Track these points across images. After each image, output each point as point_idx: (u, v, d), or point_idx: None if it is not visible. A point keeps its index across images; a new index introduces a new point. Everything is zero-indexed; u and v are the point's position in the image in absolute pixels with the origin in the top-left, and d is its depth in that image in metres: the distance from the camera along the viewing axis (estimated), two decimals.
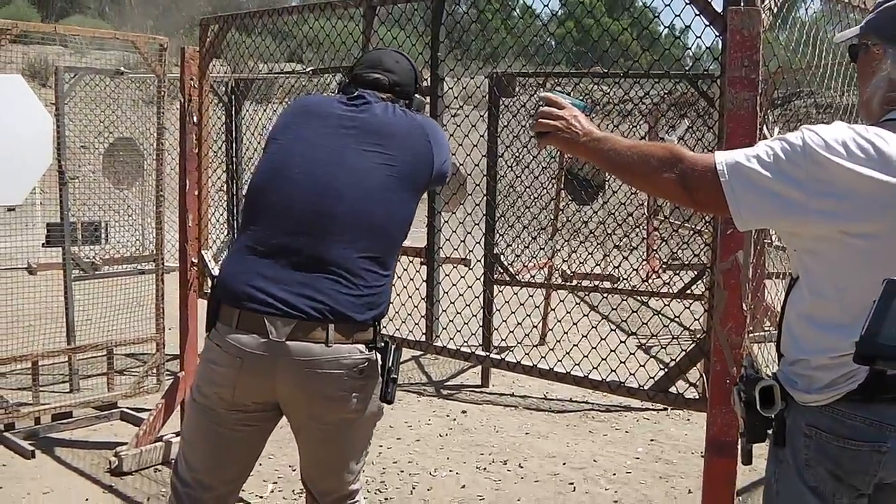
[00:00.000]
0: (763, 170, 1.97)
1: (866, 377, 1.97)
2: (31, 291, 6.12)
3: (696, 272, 6.88)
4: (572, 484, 5.13)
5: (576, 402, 6.81)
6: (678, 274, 7.67)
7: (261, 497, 4.77)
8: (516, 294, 4.56)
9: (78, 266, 6.35)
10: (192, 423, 2.97)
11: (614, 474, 5.30)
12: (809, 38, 3.35)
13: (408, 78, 3.16)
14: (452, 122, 4.05)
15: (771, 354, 2.52)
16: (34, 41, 6.51)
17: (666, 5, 3.15)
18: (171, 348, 6.18)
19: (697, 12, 3.02)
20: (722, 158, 2.02)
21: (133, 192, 7.60)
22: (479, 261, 6.34)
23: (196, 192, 5.11)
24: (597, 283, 7.51)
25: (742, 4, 2.73)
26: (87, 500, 4.69)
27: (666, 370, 3.27)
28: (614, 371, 3.38)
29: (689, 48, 3.66)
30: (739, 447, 2.28)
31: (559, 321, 4.10)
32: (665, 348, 6.47)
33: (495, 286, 6.45)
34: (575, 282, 7.70)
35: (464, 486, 5.06)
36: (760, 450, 2.21)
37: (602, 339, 3.62)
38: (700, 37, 3.17)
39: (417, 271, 4.07)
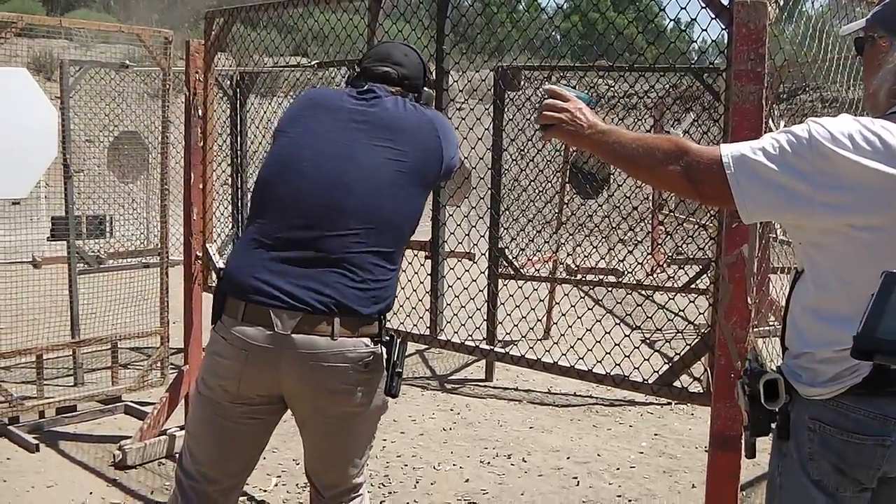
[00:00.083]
0: (769, 162, 1.97)
1: (871, 371, 1.97)
2: (36, 285, 6.13)
3: (700, 266, 6.87)
4: (576, 478, 5.12)
5: (580, 396, 6.80)
6: (683, 268, 7.66)
7: (264, 491, 4.77)
8: (520, 288, 4.55)
9: (82, 260, 6.36)
10: (197, 416, 2.97)
11: (618, 469, 5.30)
12: (816, 32, 3.34)
13: (417, 71, 3.15)
14: (457, 116, 4.05)
15: (775, 349, 2.52)
16: (39, 35, 6.51)
17: None
18: (175, 342, 6.19)
19: (703, 5, 3.00)
20: (727, 151, 2.01)
21: (138, 186, 7.61)
22: (484, 254, 6.34)
23: (200, 186, 5.10)
24: (601, 277, 7.50)
25: None
26: (91, 493, 4.69)
27: (670, 364, 3.27)
28: (618, 365, 3.38)
29: (695, 41, 3.65)
30: (743, 441, 2.27)
31: (563, 315, 4.11)
32: (669, 342, 6.48)
33: (500, 280, 6.45)
34: (579, 276, 7.69)
35: (467, 481, 5.06)
36: (764, 444, 2.21)
37: (606, 333, 3.61)
38: (706, 30, 3.17)
39: (422, 265, 4.06)
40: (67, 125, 6.06)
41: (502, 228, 6.98)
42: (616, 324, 3.86)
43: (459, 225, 4.22)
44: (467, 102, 4.72)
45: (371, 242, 2.81)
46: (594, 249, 7.72)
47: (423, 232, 3.74)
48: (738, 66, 2.70)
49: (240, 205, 6.56)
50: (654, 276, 8.20)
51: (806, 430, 2.08)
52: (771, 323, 4.52)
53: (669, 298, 7.96)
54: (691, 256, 7.48)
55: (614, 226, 7.79)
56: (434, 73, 3.83)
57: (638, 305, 3.90)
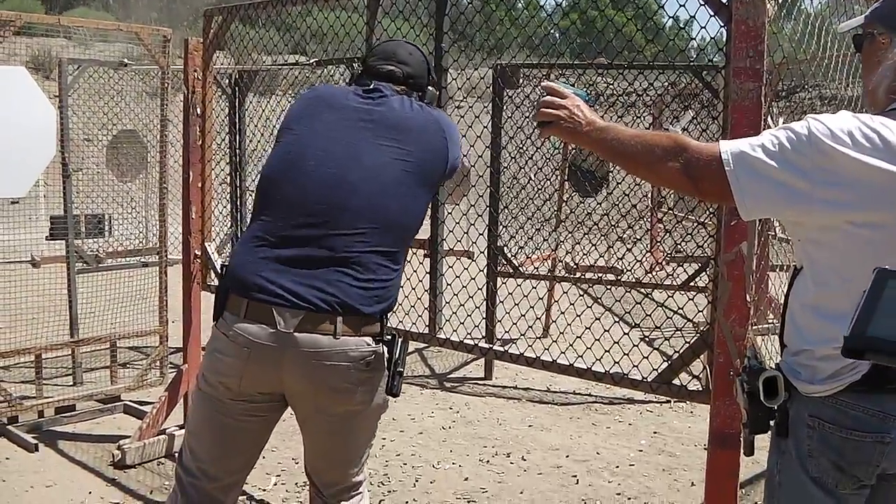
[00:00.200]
0: (768, 159, 1.96)
1: (870, 368, 1.97)
2: (35, 284, 6.12)
3: (699, 264, 6.87)
4: (575, 476, 5.12)
5: (579, 394, 6.80)
6: (682, 266, 7.66)
7: (263, 490, 4.77)
8: (519, 286, 4.55)
9: (81, 259, 6.35)
10: (198, 413, 2.97)
11: (617, 467, 5.29)
12: (815, 29, 3.34)
13: (421, 70, 3.15)
14: (456, 114, 4.04)
15: (774, 346, 2.52)
16: (38, 33, 6.49)
17: None
18: (174, 341, 6.18)
19: (702, 2, 3.00)
20: (727, 147, 2.02)
21: (136, 185, 7.60)
22: (483, 253, 6.33)
23: (199, 185, 5.10)
24: (600, 275, 7.50)
25: None
26: (90, 493, 4.69)
27: (669, 362, 3.26)
28: (617, 363, 3.37)
29: (694, 39, 3.64)
30: (742, 439, 2.27)
31: (562, 313, 4.11)
32: (668, 340, 6.48)
33: (498, 278, 6.45)
34: (578, 274, 7.69)
35: (467, 479, 5.06)
36: (763, 442, 2.21)
37: (605, 331, 3.61)
38: (705, 27, 3.16)
39: (421, 263, 4.06)
40: (66, 124, 6.05)
41: (501, 226, 6.97)
42: (615, 322, 3.86)
43: (458, 223, 4.21)
44: (466, 100, 4.72)
45: (375, 242, 2.82)
46: (593, 247, 7.72)
47: (421, 230, 3.74)
48: (737, 64, 2.70)
49: (238, 203, 6.55)
50: (653, 273, 8.20)
51: (805, 427, 2.08)
52: (770, 320, 4.52)
53: (668, 296, 7.96)
54: (690, 254, 7.48)
55: (613, 224, 7.79)
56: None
57: (637, 303, 3.90)
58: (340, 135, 2.89)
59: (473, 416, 6.25)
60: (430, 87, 3.17)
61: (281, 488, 4.82)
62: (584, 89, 2.50)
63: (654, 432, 5.95)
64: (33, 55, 15.68)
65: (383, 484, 4.93)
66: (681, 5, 3.16)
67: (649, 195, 9.02)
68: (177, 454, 3.34)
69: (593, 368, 3.41)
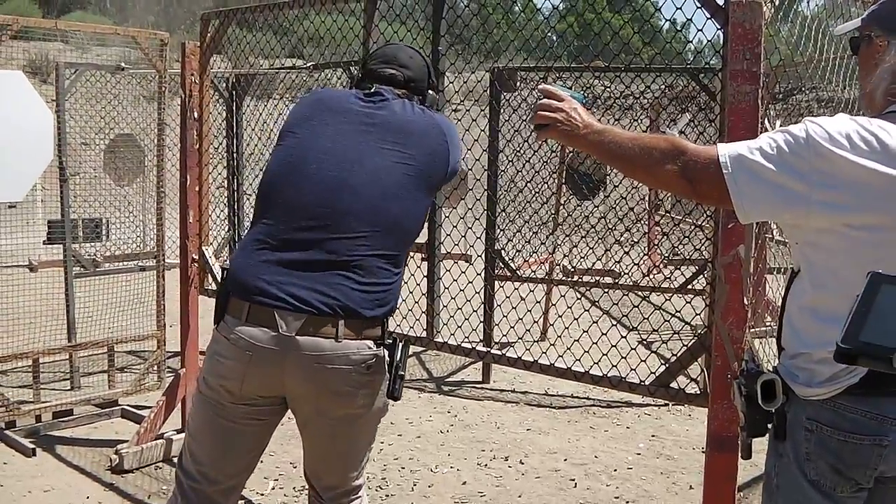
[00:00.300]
0: (766, 162, 1.96)
1: (867, 371, 1.96)
2: (32, 289, 6.11)
3: (697, 267, 6.88)
4: (573, 480, 5.12)
5: (577, 397, 6.80)
6: (679, 269, 7.67)
7: (262, 494, 4.76)
8: (517, 290, 4.55)
9: (79, 263, 6.35)
10: (198, 416, 2.96)
11: (615, 470, 5.29)
12: (811, 32, 3.34)
13: (422, 74, 3.15)
14: (453, 117, 4.04)
15: (772, 349, 2.51)
16: (35, 37, 6.49)
17: None
18: (172, 345, 6.18)
19: (699, 5, 3.00)
20: (725, 151, 2.02)
21: (134, 189, 7.61)
22: (480, 256, 6.34)
23: (197, 189, 5.10)
24: (598, 278, 7.51)
25: None
26: (87, 497, 4.68)
27: (667, 365, 3.27)
28: (615, 366, 3.37)
29: (691, 42, 3.65)
30: (740, 442, 2.27)
31: (560, 317, 4.10)
32: (666, 343, 6.48)
33: (496, 282, 6.45)
34: (576, 277, 7.70)
35: (465, 483, 5.05)
36: (761, 445, 2.20)
37: (603, 334, 3.61)
38: (701, 30, 3.16)
39: (418, 267, 4.06)
40: (63, 128, 6.05)
41: (499, 230, 6.99)
42: (613, 325, 3.86)
43: (456, 227, 4.21)
44: (463, 104, 4.72)
45: (377, 245, 2.82)
46: (590, 251, 7.73)
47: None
48: (734, 66, 2.70)
49: (236, 207, 6.55)
50: (651, 276, 8.21)
51: (803, 430, 2.08)
52: (767, 323, 4.51)
53: (666, 299, 7.94)
54: (688, 257, 7.49)
55: (611, 227, 7.79)
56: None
57: (634, 307, 3.90)
58: (342, 138, 2.90)
59: (471, 420, 6.24)
60: (430, 91, 3.18)
61: (279, 492, 4.81)
62: (581, 92, 2.50)
63: (652, 436, 5.95)
64: (30, 59, 15.65)
65: (381, 488, 4.92)
66: (677, 8, 3.17)
67: (647, 198, 9.04)
68: (177, 457, 3.34)
69: (591, 372, 3.42)
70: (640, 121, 9.09)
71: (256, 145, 6.41)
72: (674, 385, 3.24)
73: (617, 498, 4.90)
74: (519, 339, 4.39)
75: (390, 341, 2.87)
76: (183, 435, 5.04)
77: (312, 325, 2.72)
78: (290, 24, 5.16)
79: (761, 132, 2.58)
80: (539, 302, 6.24)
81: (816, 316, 2.05)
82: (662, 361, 4.04)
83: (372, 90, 3.03)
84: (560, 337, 3.96)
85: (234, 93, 6.80)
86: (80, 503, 4.61)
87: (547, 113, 2.29)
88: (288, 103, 6.25)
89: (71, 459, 5.20)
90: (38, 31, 6.16)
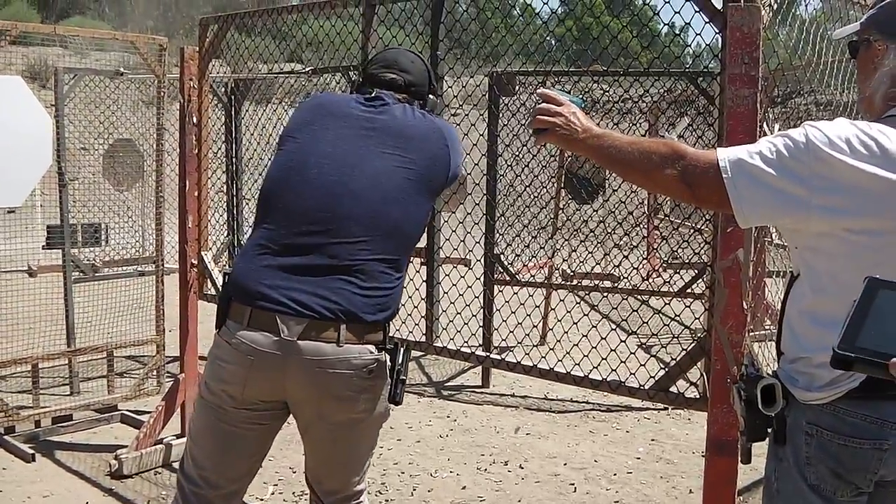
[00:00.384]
0: (766, 166, 1.96)
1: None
2: (31, 294, 6.10)
3: (696, 270, 6.88)
4: (573, 484, 5.12)
5: (576, 402, 6.80)
6: (678, 272, 7.67)
7: (261, 500, 4.75)
8: (516, 294, 4.55)
9: (78, 268, 6.34)
10: (200, 421, 2.96)
11: (615, 474, 5.29)
12: (809, 35, 3.34)
13: (422, 78, 3.16)
14: (452, 122, 4.04)
15: (771, 353, 2.51)
16: (34, 42, 6.49)
17: (665, 2, 3.14)
18: (171, 350, 6.17)
19: (697, 9, 3.01)
20: (724, 155, 2.02)
21: (133, 194, 7.60)
22: (479, 260, 6.33)
23: (196, 194, 5.10)
24: (597, 282, 7.51)
25: (742, 1, 2.72)
26: (87, 503, 4.68)
27: (666, 369, 3.26)
28: (615, 370, 3.37)
29: (689, 45, 3.66)
30: (739, 446, 2.27)
31: (559, 321, 4.10)
32: (665, 347, 6.47)
33: (495, 286, 6.44)
34: (575, 281, 7.70)
35: (464, 487, 5.05)
36: (760, 449, 2.20)
37: (602, 338, 3.61)
38: (700, 34, 3.17)
39: (417, 271, 4.05)
40: (62, 133, 6.04)
41: (498, 234, 6.99)
42: (612, 329, 3.87)
43: (455, 231, 4.21)
44: (462, 108, 4.72)
45: (378, 250, 2.82)
46: (590, 254, 7.73)
47: None
48: (733, 70, 2.70)
49: (235, 212, 6.56)
50: (650, 280, 8.21)
51: (803, 434, 2.08)
52: (767, 327, 4.52)
53: (665, 303, 7.95)
54: (687, 261, 7.49)
55: (610, 230, 7.80)
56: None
57: (634, 310, 3.90)
58: (343, 143, 2.90)
59: (471, 425, 6.24)
60: (431, 96, 3.18)
61: (279, 497, 4.80)
62: (580, 96, 2.50)
63: (652, 439, 5.94)
64: (29, 64, 15.67)
65: (381, 493, 4.92)
66: (676, 12, 3.17)
67: (646, 202, 9.04)
68: (176, 462, 3.34)
69: (590, 376, 3.41)
70: (638, 125, 9.09)
71: (255, 150, 6.42)
72: (673, 389, 3.24)
73: (617, 502, 4.89)
74: (518, 343, 4.38)
75: (392, 346, 2.88)
76: (182, 440, 5.05)
77: (314, 329, 2.72)
78: (288, 29, 5.15)
79: (760, 136, 2.59)
80: (538, 306, 6.25)
81: (816, 320, 2.05)
82: (662, 365, 4.03)
83: (372, 95, 3.03)
84: (559, 341, 3.96)
85: (233, 97, 6.80)
86: None
87: (546, 117, 2.29)
88: (287, 108, 6.26)
89: (70, 465, 5.20)
90: (36, 36, 6.17)
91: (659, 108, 8.88)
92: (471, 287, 4.19)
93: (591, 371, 3.43)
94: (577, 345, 3.57)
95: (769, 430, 2.15)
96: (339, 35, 4.46)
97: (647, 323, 4.01)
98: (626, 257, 5.85)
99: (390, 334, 2.94)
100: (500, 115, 6.93)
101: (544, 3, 3.85)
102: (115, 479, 4.97)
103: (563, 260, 8.21)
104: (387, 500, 4.83)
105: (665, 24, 3.37)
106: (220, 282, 4.92)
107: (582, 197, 8.70)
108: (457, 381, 7.49)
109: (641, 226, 9.04)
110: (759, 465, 2.32)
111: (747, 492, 4.68)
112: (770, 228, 4.02)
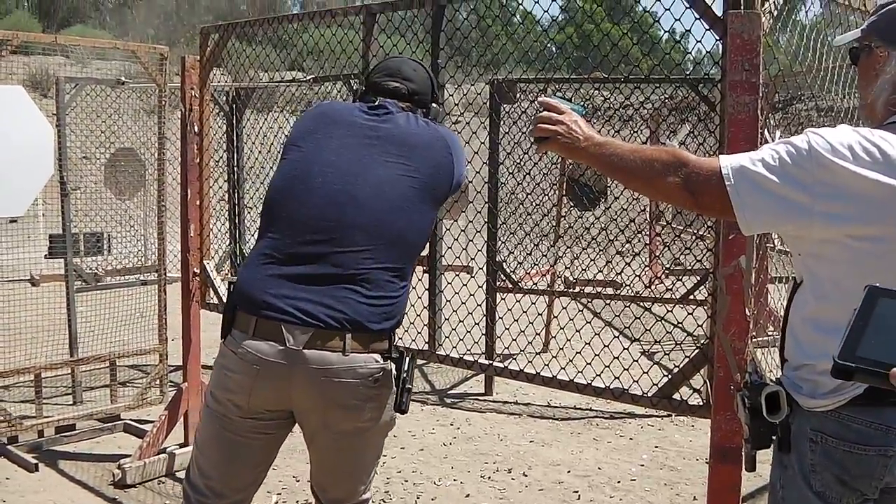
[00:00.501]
0: (769, 173, 1.96)
1: None
2: (34, 303, 6.10)
3: (698, 277, 6.87)
4: (577, 492, 5.11)
5: (579, 409, 6.79)
6: (681, 279, 7.66)
7: None
8: (519, 301, 4.55)
9: (80, 277, 6.35)
10: (206, 430, 2.97)
11: (619, 482, 5.28)
12: (810, 42, 3.34)
13: (425, 87, 3.16)
14: (453, 129, 4.05)
15: (774, 360, 2.51)
16: (35, 52, 6.49)
17: (666, 9, 3.15)
18: (173, 359, 6.18)
19: (697, 16, 3.01)
20: (727, 162, 2.01)
21: (135, 203, 7.61)
22: (482, 268, 6.33)
23: (198, 202, 5.10)
24: (599, 289, 7.50)
25: (742, 8, 2.72)
26: None
27: (669, 376, 3.26)
28: (618, 378, 3.37)
29: (690, 52, 3.67)
30: (743, 454, 2.26)
31: (562, 328, 4.10)
32: (668, 354, 6.47)
33: (498, 294, 6.44)
34: (578, 288, 7.69)
35: (468, 496, 5.04)
36: (765, 456, 2.20)
37: (605, 345, 3.61)
38: (700, 41, 3.17)
39: (420, 279, 4.05)
40: (64, 142, 6.05)
41: (500, 242, 6.98)
42: (615, 336, 3.85)
43: (457, 239, 4.21)
44: (463, 116, 4.72)
45: (383, 258, 2.82)
46: (592, 262, 7.73)
47: None
48: (733, 77, 2.70)
49: (237, 221, 6.56)
50: (653, 287, 8.21)
51: (808, 441, 2.07)
52: (770, 333, 4.51)
53: (668, 310, 7.95)
54: (689, 267, 7.48)
55: (612, 238, 7.79)
56: None
57: (636, 318, 3.90)
58: (346, 151, 2.90)
59: (474, 432, 6.23)
60: (434, 104, 3.18)
61: None
62: (581, 104, 2.50)
63: (656, 447, 5.93)
64: (31, 74, 15.72)
65: (385, 501, 4.91)
66: (676, 19, 3.17)
67: (647, 209, 9.03)
68: (181, 472, 3.33)
69: (594, 384, 3.41)
70: (640, 132, 9.10)
71: (257, 158, 6.42)
72: (676, 396, 3.24)
73: None
74: (521, 351, 4.39)
75: (397, 355, 2.88)
76: (185, 449, 5.05)
77: (320, 338, 2.72)
78: (289, 38, 5.16)
79: (761, 142, 2.59)
80: (541, 314, 6.26)
81: (819, 327, 2.05)
82: (665, 372, 4.03)
83: (376, 103, 3.03)
84: (562, 349, 3.96)
85: (234, 106, 6.82)
86: None
87: (547, 125, 2.29)
88: (288, 116, 6.26)
89: (73, 474, 5.19)
90: (38, 45, 6.17)
91: (660, 115, 8.89)
92: (473, 295, 4.19)
93: (594, 378, 3.43)
94: (579, 352, 3.57)
95: (773, 438, 2.15)
96: (339, 43, 4.47)
97: (649, 330, 4.02)
98: (628, 264, 5.85)
99: (396, 343, 2.94)
100: (502, 122, 6.93)
101: (545, 11, 3.86)
102: (118, 488, 4.96)
103: (566, 267, 8.21)
104: None
105: (666, 31, 3.37)
106: (222, 291, 4.94)
107: (584, 204, 8.70)
108: (460, 389, 7.49)
109: (644, 233, 9.03)
110: (763, 472, 2.32)
111: (751, 499, 4.67)
112: (772, 234, 4.02)
